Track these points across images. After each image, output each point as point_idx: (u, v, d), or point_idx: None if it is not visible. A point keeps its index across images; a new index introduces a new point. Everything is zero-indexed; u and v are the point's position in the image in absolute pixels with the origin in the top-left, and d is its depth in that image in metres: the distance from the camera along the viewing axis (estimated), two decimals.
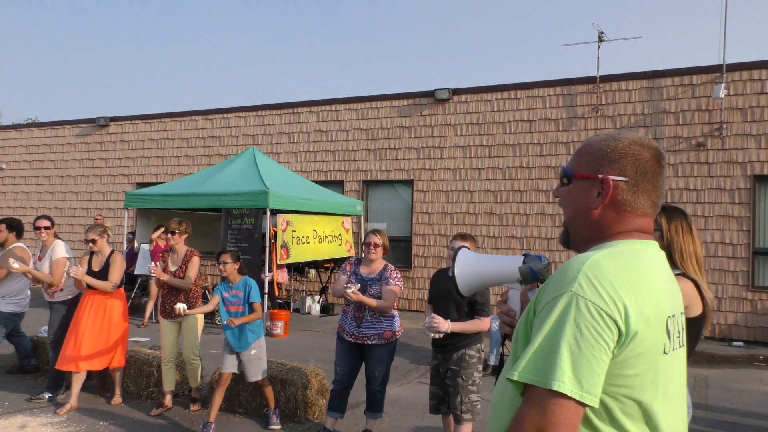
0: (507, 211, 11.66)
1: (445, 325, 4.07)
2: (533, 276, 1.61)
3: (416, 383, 6.69)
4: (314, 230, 10.73)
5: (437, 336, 4.07)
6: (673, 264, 2.69)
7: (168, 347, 5.45)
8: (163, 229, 8.31)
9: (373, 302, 4.53)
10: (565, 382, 1.13)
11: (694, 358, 8.16)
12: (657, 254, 1.37)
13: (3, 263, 5.89)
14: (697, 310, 2.57)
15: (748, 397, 6.48)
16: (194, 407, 5.47)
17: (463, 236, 4.31)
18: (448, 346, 4.22)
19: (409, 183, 12.68)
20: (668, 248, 2.70)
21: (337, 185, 13.28)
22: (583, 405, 1.14)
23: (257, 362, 4.96)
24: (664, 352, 1.26)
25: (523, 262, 1.61)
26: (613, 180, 1.37)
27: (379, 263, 4.77)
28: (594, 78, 11.08)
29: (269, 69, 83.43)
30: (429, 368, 7.31)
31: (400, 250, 12.80)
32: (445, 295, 4.32)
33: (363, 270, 4.76)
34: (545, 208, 11.34)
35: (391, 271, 4.72)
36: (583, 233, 1.43)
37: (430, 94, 12.44)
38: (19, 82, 69.34)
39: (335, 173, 13.42)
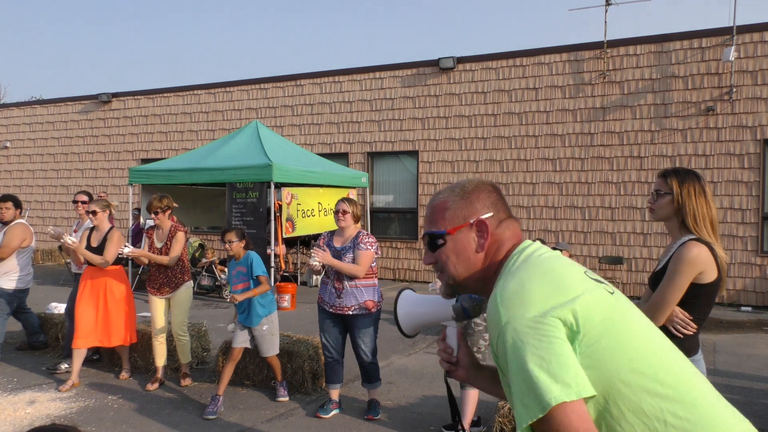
0: (513, 180, 11.56)
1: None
2: (465, 313, 1.69)
3: (423, 353, 6.70)
4: (319, 203, 10.69)
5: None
6: (685, 228, 2.61)
7: (158, 323, 5.44)
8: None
9: (340, 263, 4.49)
10: (554, 394, 1.16)
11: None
12: (535, 244, 1.50)
13: (6, 241, 5.89)
14: (712, 275, 2.51)
15: (756, 361, 6.46)
16: (185, 382, 5.45)
17: None
18: None
19: (414, 154, 12.57)
20: (679, 212, 2.62)
21: (341, 157, 13.19)
22: (583, 399, 1.18)
23: (269, 338, 4.95)
24: (611, 293, 1.34)
25: (456, 301, 1.68)
26: (485, 219, 1.49)
27: (351, 231, 4.68)
28: (601, 43, 10.86)
29: (270, 41, 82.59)
30: (435, 338, 7.33)
31: (406, 222, 12.75)
32: None
33: (336, 241, 4.71)
34: (552, 177, 11.23)
35: (364, 236, 4.63)
36: (479, 276, 1.52)
37: (434, 63, 12.26)
38: (21, 59, 69.00)
39: (340, 145, 13.32)
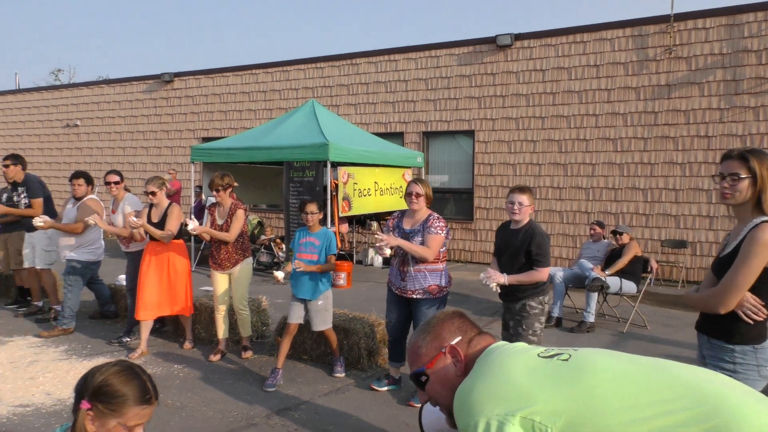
0: (572, 161, 11.31)
1: (501, 278, 4.08)
2: None
3: None
4: (375, 182, 10.75)
5: (494, 287, 4.11)
6: (758, 210, 2.51)
7: (219, 297, 5.62)
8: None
9: (409, 244, 4.46)
10: None
11: None
12: (501, 344, 1.67)
13: (81, 216, 6.21)
14: None
15: None
16: (245, 354, 5.64)
17: (520, 188, 4.24)
18: (510, 296, 4.24)
19: (470, 133, 12.44)
20: (759, 195, 2.51)
21: (397, 137, 13.18)
22: None
23: (323, 313, 5.06)
24: (566, 360, 1.49)
25: None
26: (455, 344, 1.66)
27: (422, 214, 4.64)
28: (667, 17, 10.40)
29: (327, 20, 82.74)
30: (491, 320, 7.32)
31: (461, 203, 12.69)
32: (505, 247, 4.30)
33: (405, 223, 4.68)
34: (613, 157, 10.92)
35: (434, 219, 4.58)
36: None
37: (491, 41, 12.04)
38: (90, 40, 71.58)
39: (395, 125, 13.31)
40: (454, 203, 12.85)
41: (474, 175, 12.37)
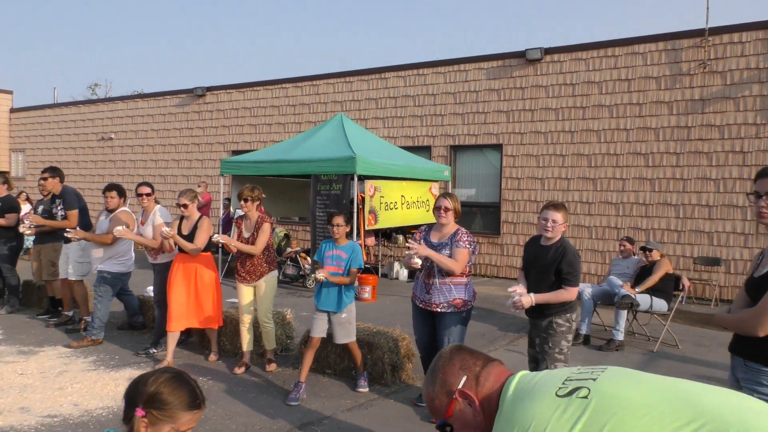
0: (602, 176, 11.15)
1: (528, 302, 4.02)
2: None
3: (504, 350, 6.61)
4: (402, 196, 10.74)
5: (518, 310, 4.08)
6: None
7: (244, 309, 5.64)
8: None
9: (438, 255, 4.42)
10: None
11: None
12: (517, 379, 1.60)
13: (112, 228, 6.32)
14: None
15: None
16: (269, 367, 5.65)
17: (555, 205, 4.17)
18: (537, 312, 4.17)
19: (498, 147, 12.37)
20: None
21: (424, 151, 13.18)
22: None
23: (347, 325, 5.05)
24: (585, 397, 1.42)
25: None
26: (463, 388, 1.61)
27: (450, 228, 4.62)
28: (702, 30, 10.23)
29: (356, 35, 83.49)
30: (517, 336, 7.22)
31: (488, 217, 12.59)
32: (534, 263, 4.23)
33: (433, 236, 4.66)
34: (644, 172, 10.73)
35: (462, 234, 4.56)
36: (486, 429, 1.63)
37: (520, 55, 11.99)
38: (125, 55, 73.42)
39: (423, 138, 13.31)
40: (480, 217, 12.76)
41: (501, 189, 12.27)
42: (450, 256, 4.48)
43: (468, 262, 4.54)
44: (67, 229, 6.58)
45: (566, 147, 11.51)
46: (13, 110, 21.91)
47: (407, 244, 4.50)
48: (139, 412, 1.71)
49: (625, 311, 6.81)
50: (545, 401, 1.44)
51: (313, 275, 4.98)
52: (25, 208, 11.51)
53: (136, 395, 1.74)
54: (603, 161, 11.14)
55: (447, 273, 4.48)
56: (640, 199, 10.78)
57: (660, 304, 6.96)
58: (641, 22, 66.07)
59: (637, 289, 6.94)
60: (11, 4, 73.15)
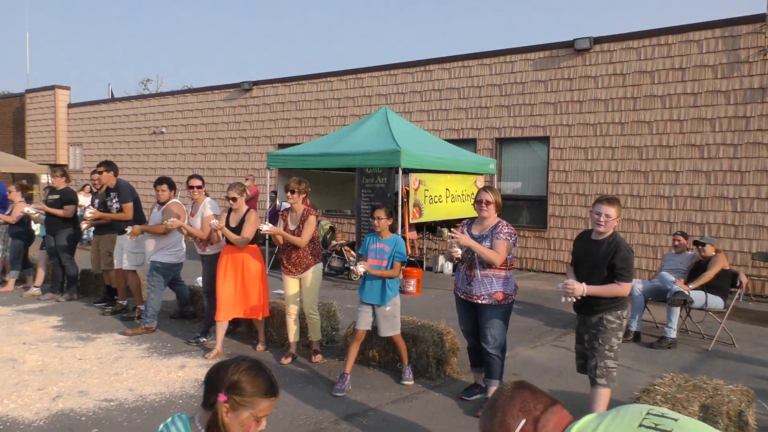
0: (654, 168, 10.83)
1: (580, 289, 3.95)
2: None
3: (550, 346, 6.52)
4: (447, 189, 10.69)
5: (570, 300, 3.98)
6: None
7: (290, 301, 5.72)
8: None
9: (478, 246, 4.42)
10: None
11: None
12: (574, 428, 1.54)
13: (165, 219, 6.51)
14: None
15: None
16: (315, 358, 5.71)
17: (609, 200, 4.08)
18: (586, 308, 4.09)
19: (544, 140, 12.16)
20: None
21: (469, 143, 13.06)
22: None
23: (392, 319, 5.07)
24: None
25: None
26: (522, 426, 1.57)
27: (491, 221, 4.61)
28: (762, 16, 9.79)
29: (400, 28, 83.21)
30: (564, 332, 7.10)
31: (535, 210, 12.41)
32: (584, 257, 4.16)
33: (474, 229, 4.67)
34: (698, 165, 10.37)
35: (503, 226, 4.55)
36: None
37: (569, 45, 11.73)
38: (175, 52, 75.18)
39: (468, 131, 13.20)
40: (527, 211, 12.58)
41: (548, 183, 12.06)
42: (490, 247, 4.47)
43: (508, 255, 4.52)
44: (127, 228, 6.84)
45: (616, 139, 11.22)
46: (70, 105, 22.73)
47: (449, 234, 4.50)
48: (222, 398, 1.82)
49: (678, 308, 6.61)
50: None
51: (353, 267, 5.02)
52: (86, 200, 11.94)
53: (217, 381, 1.85)
54: (655, 153, 10.82)
55: (488, 265, 4.47)
56: (695, 192, 10.43)
57: (715, 302, 6.73)
58: (695, 8, 63.71)
59: (691, 286, 6.73)
60: (70, 4, 75.81)
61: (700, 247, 7.09)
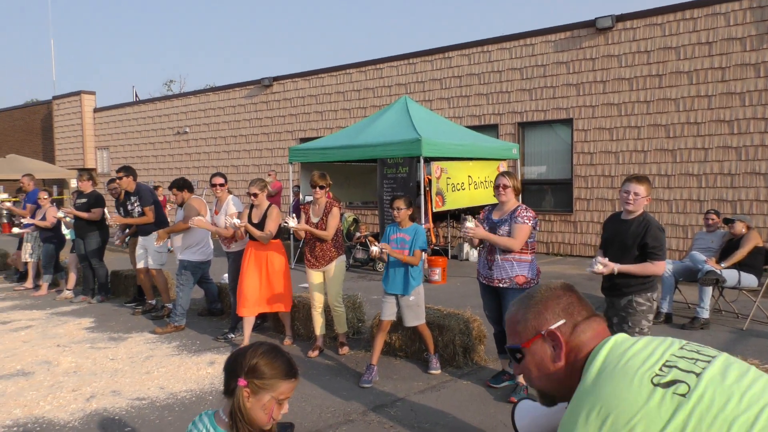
0: (681, 146, 10.58)
1: (610, 267, 3.89)
2: None
3: None
4: (469, 176, 10.60)
5: (599, 269, 3.92)
6: None
7: (315, 294, 5.73)
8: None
9: (492, 236, 4.43)
10: None
11: None
12: (612, 344, 1.42)
13: (186, 215, 6.59)
14: None
15: None
16: (342, 350, 5.72)
17: (638, 178, 4.02)
18: (615, 290, 4.02)
19: (568, 122, 11.97)
20: None
21: (491, 129, 12.92)
22: None
23: (416, 308, 5.05)
24: (684, 395, 1.24)
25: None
26: (555, 329, 1.47)
27: (510, 204, 4.59)
28: None
29: (420, 15, 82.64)
30: None
31: (560, 194, 12.24)
32: (614, 238, 4.09)
33: (495, 214, 4.66)
34: (728, 141, 10.10)
35: (522, 210, 4.51)
36: (564, 385, 1.48)
37: (590, 24, 11.50)
38: (198, 51, 75.90)
39: (489, 117, 13.05)
40: (552, 194, 12.42)
41: (573, 165, 11.88)
42: (509, 231, 4.45)
43: (529, 238, 4.46)
44: (156, 238, 6.98)
45: (642, 118, 10.98)
46: (96, 110, 23.12)
47: (467, 224, 4.48)
48: (242, 382, 1.84)
49: (710, 288, 6.46)
50: (638, 385, 1.28)
51: (372, 248, 5.01)
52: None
53: (237, 367, 1.87)
54: (682, 131, 10.56)
55: (507, 250, 4.45)
56: (725, 169, 10.17)
57: (749, 280, 6.56)
58: None
59: (723, 264, 6.57)
60: (92, 10, 76.99)
61: (729, 224, 6.92)
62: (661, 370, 1.30)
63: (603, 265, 3.90)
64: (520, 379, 4.75)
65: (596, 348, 1.43)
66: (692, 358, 1.33)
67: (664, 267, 3.95)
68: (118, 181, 7.55)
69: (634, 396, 1.26)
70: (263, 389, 1.85)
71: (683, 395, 1.24)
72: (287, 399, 1.91)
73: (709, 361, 1.32)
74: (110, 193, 8.15)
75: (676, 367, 1.31)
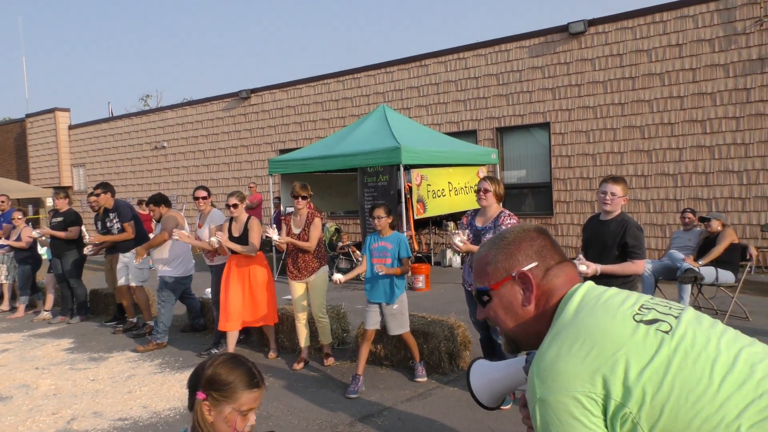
0: (657, 147, 10.74)
1: (593, 268, 3.92)
2: None
3: None
4: (449, 183, 10.64)
5: (582, 273, 3.94)
6: None
7: (298, 306, 5.70)
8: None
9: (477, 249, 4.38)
10: None
11: None
12: (587, 287, 1.41)
13: (163, 228, 6.55)
14: None
15: None
16: (327, 362, 5.69)
17: (614, 178, 4.10)
18: None
19: (545, 126, 12.09)
20: None
21: (470, 135, 13.01)
22: None
23: (399, 317, 5.04)
24: (667, 333, 1.23)
25: (526, 362, 1.54)
26: (527, 271, 1.42)
27: (493, 210, 4.58)
28: None
29: (393, 24, 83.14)
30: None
31: (540, 197, 12.34)
32: (594, 239, 4.14)
33: (478, 221, 4.65)
34: (701, 140, 10.28)
35: (505, 216, 4.50)
36: (532, 330, 1.43)
37: (563, 29, 11.65)
38: (174, 66, 75.48)
39: (467, 123, 13.14)
40: (532, 198, 12.52)
41: (552, 168, 12.00)
42: None
43: None
44: (135, 253, 6.90)
45: (617, 120, 11.14)
46: (71, 127, 22.84)
47: (454, 236, 4.47)
48: (200, 395, 1.77)
49: (689, 285, 6.55)
50: (621, 320, 1.26)
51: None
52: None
53: (196, 381, 1.81)
54: (657, 131, 10.73)
55: None
56: (699, 168, 10.34)
57: (726, 276, 6.66)
58: None
59: (700, 262, 6.66)
60: (65, 26, 76.26)
61: (705, 223, 7.03)
62: (640, 310, 1.30)
63: (586, 266, 3.94)
64: None
65: (569, 291, 1.40)
66: (666, 305, 1.34)
67: (644, 266, 4.00)
68: (95, 198, 7.47)
69: (619, 330, 1.24)
70: (223, 401, 1.76)
71: (666, 332, 1.23)
72: (252, 410, 1.81)
73: (682, 309, 1.33)
74: (90, 206, 8.02)
75: (654, 309, 1.31)
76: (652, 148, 10.79)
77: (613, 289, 1.40)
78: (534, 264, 1.43)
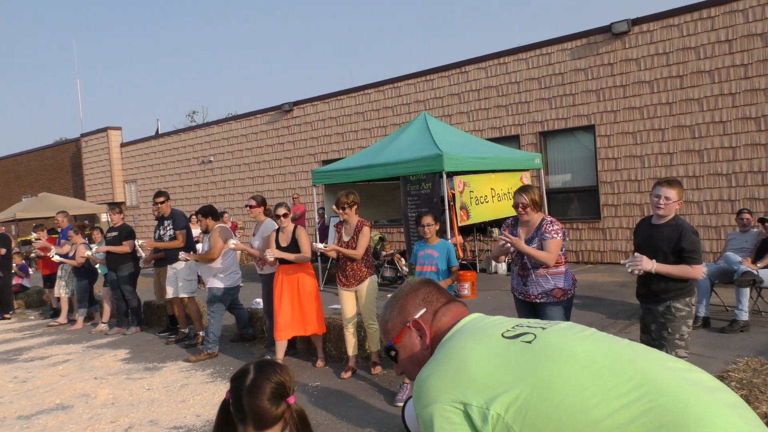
0: (708, 146, 10.41)
1: (649, 264, 3.79)
2: None
3: None
4: (492, 189, 10.55)
5: (637, 272, 3.85)
6: None
7: (347, 314, 5.73)
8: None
9: (531, 249, 4.27)
10: None
11: None
12: (470, 318, 1.58)
13: (211, 244, 6.68)
14: None
15: None
16: (375, 370, 5.69)
17: (669, 181, 3.90)
18: (651, 297, 3.92)
19: (590, 129, 11.87)
20: None
21: (512, 140, 12.88)
22: None
23: None
24: (529, 342, 1.37)
25: None
26: (418, 318, 1.60)
27: (535, 219, 4.44)
28: None
29: (434, 32, 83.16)
30: (628, 323, 6.87)
31: (586, 201, 12.11)
32: (647, 244, 3.99)
33: (521, 231, 4.50)
34: (756, 138, 9.91)
35: (547, 224, 4.35)
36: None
37: (606, 30, 11.45)
38: (219, 82, 77.34)
39: (509, 128, 13.02)
40: (578, 202, 12.29)
41: (598, 172, 11.76)
42: (539, 248, 4.32)
43: (560, 251, 4.36)
44: (180, 254, 7.06)
45: (665, 120, 10.85)
46: (123, 144, 23.65)
47: (501, 235, 4.42)
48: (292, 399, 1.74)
49: (748, 289, 6.31)
50: (488, 338, 1.42)
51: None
52: (196, 231, 12.21)
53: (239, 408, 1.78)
54: (708, 130, 10.40)
55: (540, 264, 4.36)
56: (755, 166, 9.96)
57: None
58: None
59: (759, 264, 6.41)
60: (116, 49, 79.12)
61: (764, 224, 6.76)
62: (513, 328, 1.45)
63: (638, 266, 3.80)
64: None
65: (455, 325, 1.56)
66: (544, 324, 1.47)
67: (701, 271, 3.83)
68: (161, 205, 7.72)
69: (484, 346, 1.40)
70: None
71: (529, 342, 1.37)
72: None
73: (557, 323, 1.47)
74: (154, 214, 8.26)
75: (527, 325, 1.46)
76: (703, 148, 10.46)
77: (500, 318, 1.57)
78: (423, 310, 1.61)
